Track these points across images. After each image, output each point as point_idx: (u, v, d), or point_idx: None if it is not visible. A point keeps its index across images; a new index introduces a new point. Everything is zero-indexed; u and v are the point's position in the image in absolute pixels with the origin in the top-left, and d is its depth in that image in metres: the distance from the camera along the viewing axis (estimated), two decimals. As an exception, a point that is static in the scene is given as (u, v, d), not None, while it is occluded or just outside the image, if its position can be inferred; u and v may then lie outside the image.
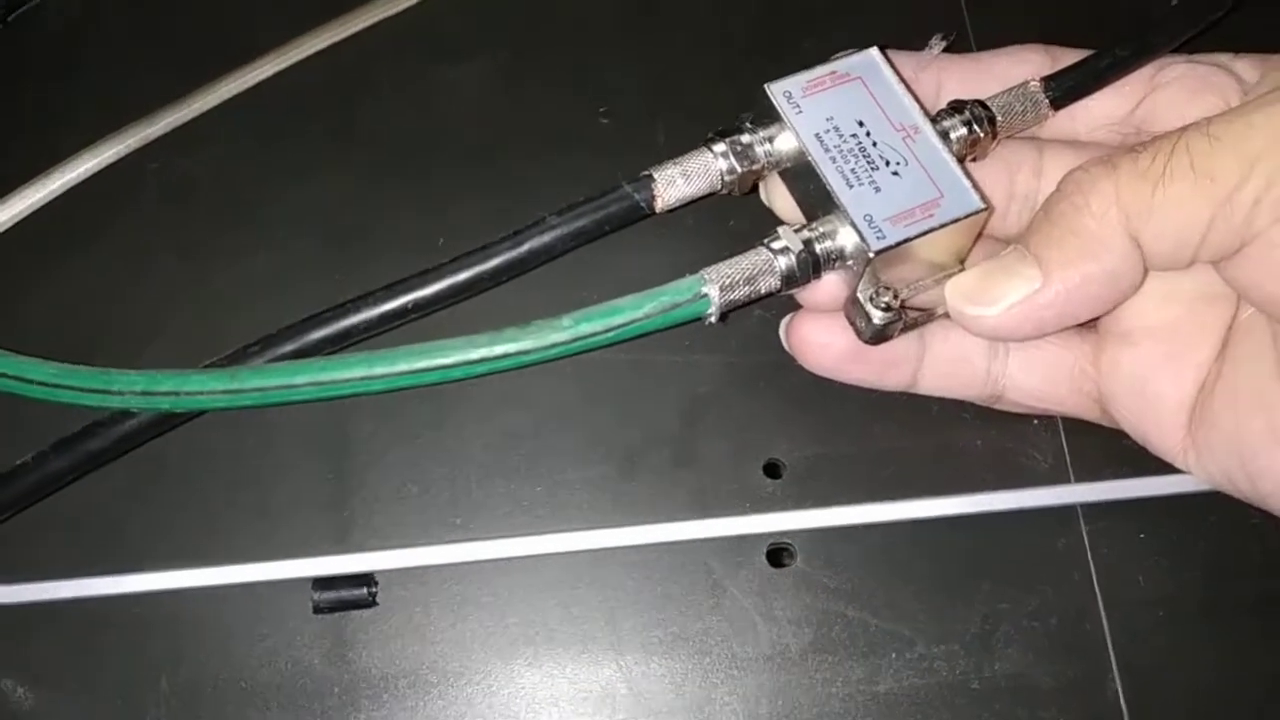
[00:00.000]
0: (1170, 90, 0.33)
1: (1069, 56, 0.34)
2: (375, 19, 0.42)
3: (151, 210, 0.40)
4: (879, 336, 0.31)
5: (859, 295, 0.31)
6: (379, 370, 0.30)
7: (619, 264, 0.38)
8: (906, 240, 0.30)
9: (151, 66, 0.42)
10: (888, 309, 0.31)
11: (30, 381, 0.30)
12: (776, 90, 0.32)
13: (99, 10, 0.44)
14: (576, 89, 0.41)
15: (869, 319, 0.31)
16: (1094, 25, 0.40)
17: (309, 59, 0.42)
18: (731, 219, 0.39)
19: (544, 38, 0.43)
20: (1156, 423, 0.33)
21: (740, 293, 0.31)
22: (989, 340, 0.34)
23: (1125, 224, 0.29)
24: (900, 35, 0.35)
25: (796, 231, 0.31)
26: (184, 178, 0.40)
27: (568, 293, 0.37)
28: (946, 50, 0.36)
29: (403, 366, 0.30)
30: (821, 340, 0.34)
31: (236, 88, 0.40)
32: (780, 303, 0.36)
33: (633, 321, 0.30)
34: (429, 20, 0.43)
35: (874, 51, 0.33)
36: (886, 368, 0.34)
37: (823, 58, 0.34)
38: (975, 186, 0.31)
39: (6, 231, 0.39)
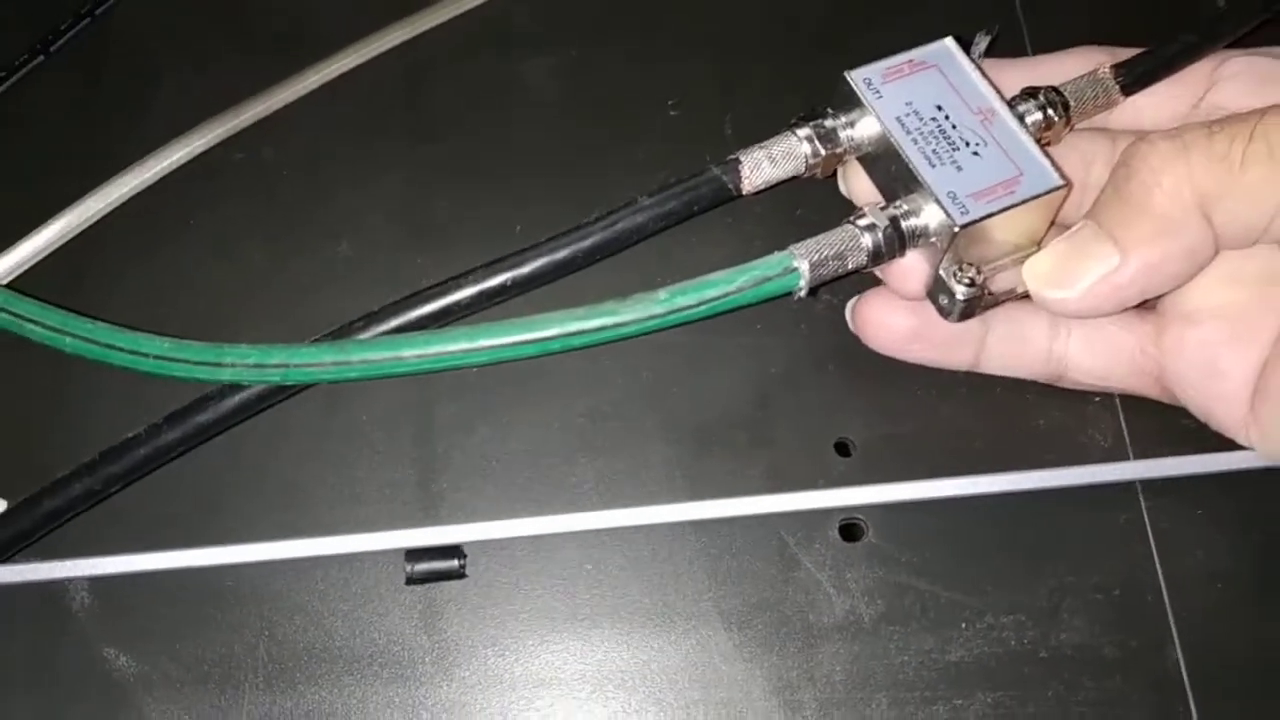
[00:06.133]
0: (1234, 84, 0.34)
1: (1130, 55, 0.35)
2: (450, 15, 0.43)
3: (237, 199, 0.41)
4: (964, 313, 0.33)
5: (942, 273, 0.32)
6: (483, 343, 0.31)
7: (692, 251, 0.39)
8: (990, 215, 0.31)
9: (234, 60, 0.44)
10: (971, 284, 0.32)
11: (145, 355, 0.32)
12: (857, 77, 0.34)
13: (183, 5, 0.45)
14: (646, 82, 0.43)
15: (953, 295, 0.32)
16: (1147, 24, 0.42)
17: (386, 54, 0.43)
18: (799, 208, 0.40)
19: (613, 32, 0.44)
20: (1221, 399, 0.34)
21: (829, 268, 0.32)
22: (1071, 319, 0.35)
23: (1199, 204, 0.30)
24: (958, 32, 0.36)
25: (882, 209, 0.32)
26: (268, 168, 0.42)
27: (643, 278, 0.38)
28: (992, 45, 0.37)
29: (506, 339, 0.31)
30: (886, 321, 0.35)
31: (318, 81, 0.42)
32: (846, 288, 0.37)
33: (725, 295, 0.31)
34: (501, 16, 0.44)
35: (949, 41, 0.34)
36: (949, 347, 0.36)
37: (884, 53, 0.35)
38: (1054, 165, 0.32)
39: (101, 220, 0.40)
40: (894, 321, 0.35)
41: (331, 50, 0.43)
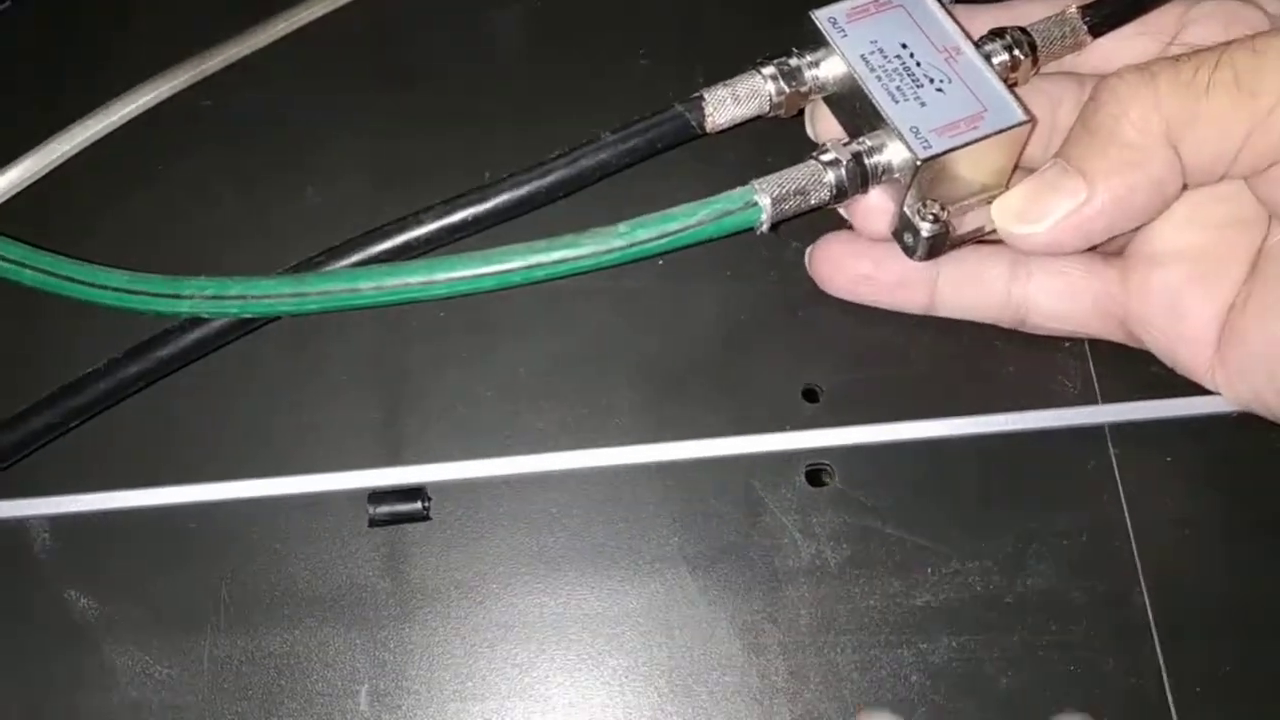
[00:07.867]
0: (1203, 26, 0.34)
1: None
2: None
3: (206, 146, 0.41)
4: (929, 251, 0.32)
5: (906, 210, 0.32)
6: (440, 275, 0.31)
7: (662, 196, 0.39)
8: (952, 149, 0.31)
9: (204, 5, 0.44)
10: (935, 220, 0.32)
11: (104, 288, 0.31)
12: (822, 16, 0.34)
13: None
14: (617, 31, 0.43)
15: (918, 232, 0.32)
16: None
17: (357, 2, 0.43)
18: (770, 155, 0.40)
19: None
20: (1186, 341, 0.34)
21: (792, 203, 0.32)
22: (1037, 258, 0.34)
23: (1166, 133, 0.30)
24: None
25: (845, 145, 0.32)
26: (237, 115, 0.42)
27: (611, 220, 0.38)
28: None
29: (464, 272, 0.31)
30: (838, 262, 0.36)
31: (287, 28, 0.42)
32: (818, 233, 0.37)
33: (686, 229, 0.31)
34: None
35: (914, -20, 0.34)
36: (901, 289, 0.36)
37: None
38: (1018, 100, 0.32)
39: (66, 163, 0.40)
40: (845, 263, 0.36)
41: (302, -3, 0.43)
